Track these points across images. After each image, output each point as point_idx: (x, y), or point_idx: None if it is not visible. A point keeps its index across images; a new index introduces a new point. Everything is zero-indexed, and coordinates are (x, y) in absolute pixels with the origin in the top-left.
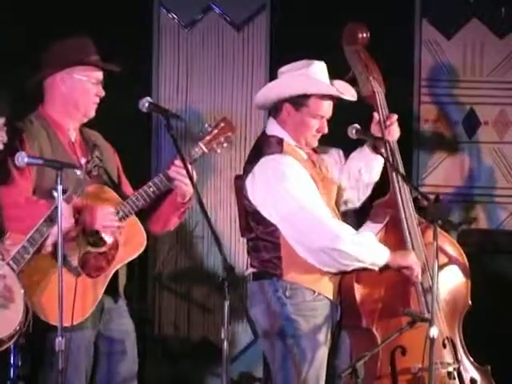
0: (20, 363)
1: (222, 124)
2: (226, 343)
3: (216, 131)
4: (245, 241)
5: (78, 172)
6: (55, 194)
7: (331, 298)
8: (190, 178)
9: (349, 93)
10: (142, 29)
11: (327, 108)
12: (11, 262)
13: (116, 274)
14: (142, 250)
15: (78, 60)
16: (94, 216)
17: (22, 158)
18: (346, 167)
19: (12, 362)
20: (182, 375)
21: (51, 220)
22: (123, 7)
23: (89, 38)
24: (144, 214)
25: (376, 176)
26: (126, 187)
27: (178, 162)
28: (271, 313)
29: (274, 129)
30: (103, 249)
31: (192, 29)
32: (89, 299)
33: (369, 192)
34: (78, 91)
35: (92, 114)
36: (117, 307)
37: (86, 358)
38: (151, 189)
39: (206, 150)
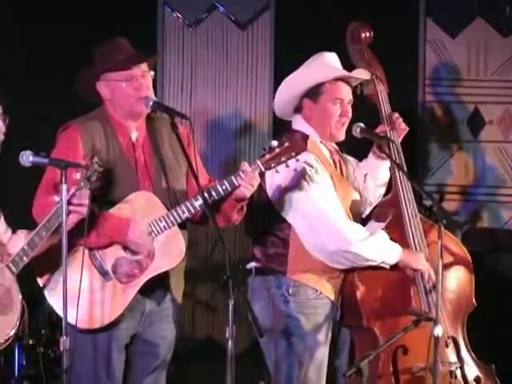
0: (25, 362)
1: (287, 144)
2: (230, 342)
3: (278, 151)
4: (247, 238)
5: (78, 175)
6: (56, 197)
7: (332, 298)
8: (195, 176)
9: (363, 74)
10: (147, 28)
11: (344, 90)
12: (10, 265)
13: (165, 278)
14: (179, 261)
15: (102, 68)
16: (126, 232)
17: (26, 157)
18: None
19: (16, 361)
20: (187, 374)
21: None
22: (127, 6)
23: (122, 37)
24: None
25: (381, 180)
26: (194, 182)
27: (245, 167)
28: (273, 309)
29: (299, 124)
30: (138, 256)
31: (196, 28)
32: (117, 304)
33: (379, 194)
34: (117, 94)
35: (143, 109)
36: (159, 311)
37: (119, 358)
38: (197, 202)
39: (262, 169)
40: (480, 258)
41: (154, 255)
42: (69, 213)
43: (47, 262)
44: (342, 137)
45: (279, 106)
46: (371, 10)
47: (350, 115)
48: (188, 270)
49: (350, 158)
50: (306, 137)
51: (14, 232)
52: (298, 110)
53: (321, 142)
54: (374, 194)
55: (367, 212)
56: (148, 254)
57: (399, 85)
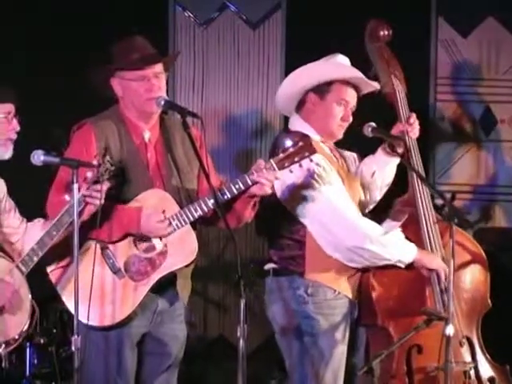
0: (36, 362)
1: (301, 144)
2: (242, 341)
3: (292, 150)
4: (258, 238)
5: (89, 174)
6: (67, 197)
7: (350, 296)
8: (206, 176)
9: (374, 84)
10: (158, 27)
11: (351, 94)
12: (20, 265)
13: (174, 278)
14: (192, 259)
15: (116, 65)
16: (138, 221)
17: (37, 157)
18: (358, 171)
19: (28, 360)
20: (198, 373)
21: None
22: (139, 5)
23: (139, 35)
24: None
25: (388, 178)
26: (206, 182)
27: (263, 164)
28: (290, 310)
29: (297, 124)
30: (151, 254)
31: (208, 27)
32: (128, 302)
33: (382, 193)
34: (128, 93)
35: (153, 109)
36: (171, 310)
37: (131, 355)
38: (211, 200)
39: (276, 169)
40: (492, 257)
41: (166, 253)
42: (82, 208)
43: (58, 254)
44: (340, 136)
45: (283, 99)
46: (383, 9)
47: (350, 120)
48: (200, 268)
49: (347, 153)
50: (306, 137)
51: (30, 221)
52: (299, 106)
53: (320, 140)
54: (382, 189)
55: (371, 207)
56: (161, 252)
57: (411, 84)
